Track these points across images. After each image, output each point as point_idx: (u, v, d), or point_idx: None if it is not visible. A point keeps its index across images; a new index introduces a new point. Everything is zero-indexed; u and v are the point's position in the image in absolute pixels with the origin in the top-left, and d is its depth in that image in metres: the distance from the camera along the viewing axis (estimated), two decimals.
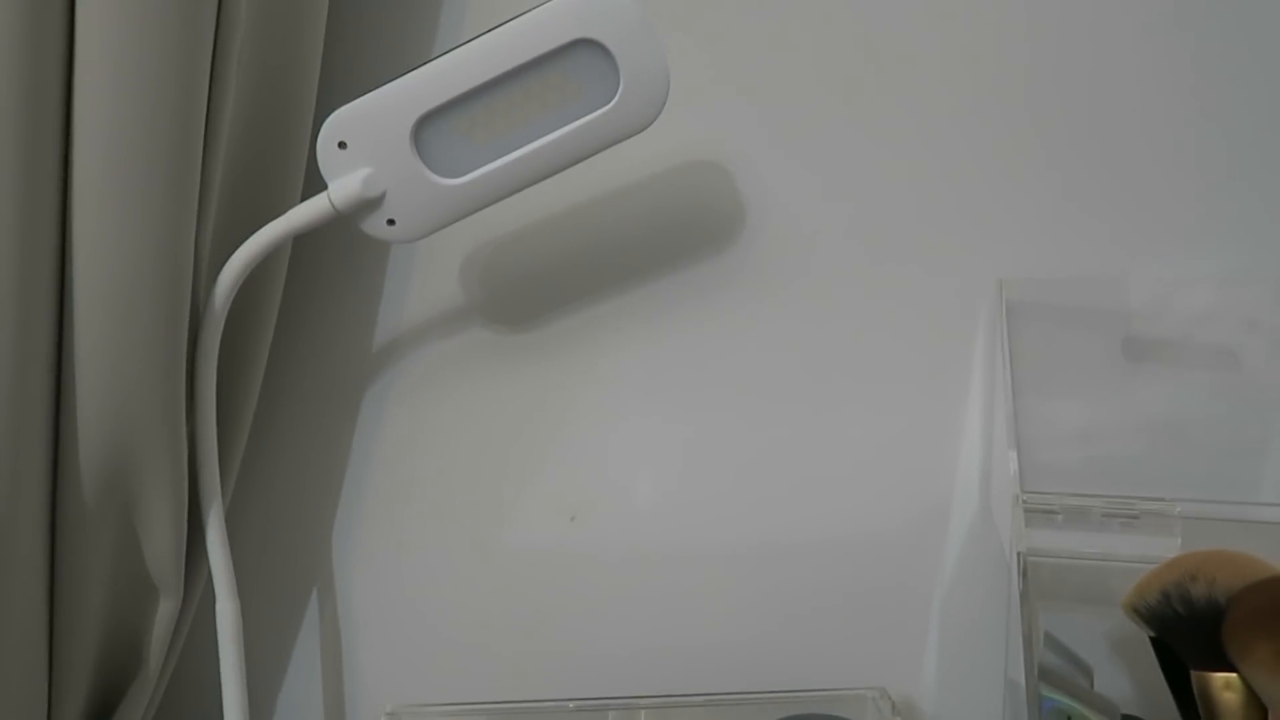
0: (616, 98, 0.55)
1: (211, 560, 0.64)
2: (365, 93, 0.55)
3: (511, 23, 0.53)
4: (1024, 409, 0.76)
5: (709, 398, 0.74)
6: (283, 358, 0.72)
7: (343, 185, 0.55)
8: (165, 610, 0.64)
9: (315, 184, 0.58)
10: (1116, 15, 0.71)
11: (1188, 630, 0.50)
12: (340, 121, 0.55)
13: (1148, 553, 0.54)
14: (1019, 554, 0.56)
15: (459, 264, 0.73)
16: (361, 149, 0.55)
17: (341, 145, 0.55)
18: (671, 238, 0.73)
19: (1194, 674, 0.51)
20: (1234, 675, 0.49)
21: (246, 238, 0.58)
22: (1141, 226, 0.73)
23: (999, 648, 0.71)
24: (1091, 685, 0.54)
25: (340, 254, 0.72)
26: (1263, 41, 0.71)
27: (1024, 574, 0.54)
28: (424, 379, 0.74)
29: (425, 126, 0.55)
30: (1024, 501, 0.58)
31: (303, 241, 0.69)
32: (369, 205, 0.56)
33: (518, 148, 0.55)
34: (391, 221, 0.57)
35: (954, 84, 0.71)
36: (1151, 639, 0.54)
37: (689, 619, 0.75)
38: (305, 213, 0.57)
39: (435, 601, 0.75)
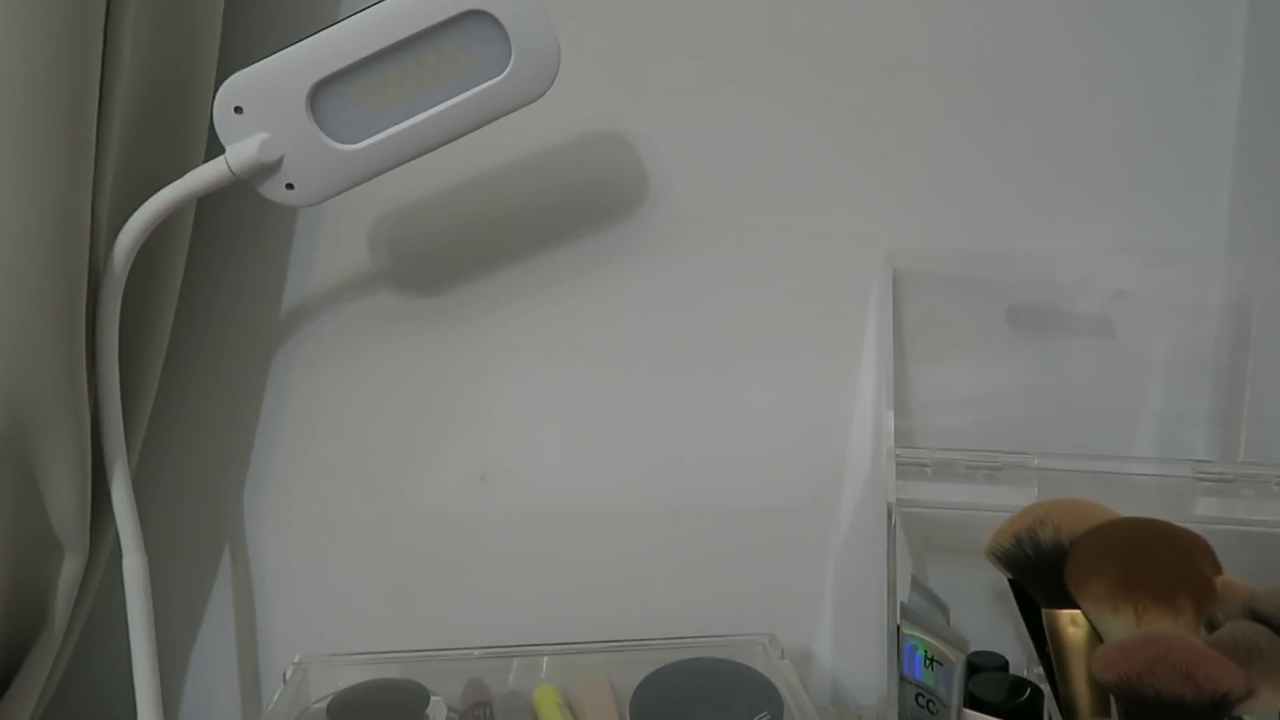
0: (508, 69, 0.56)
1: (117, 515, 0.65)
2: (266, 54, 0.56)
3: None
4: (915, 375, 0.80)
5: (613, 362, 0.77)
6: (191, 320, 0.73)
7: (240, 149, 0.56)
8: (70, 567, 0.65)
9: (218, 149, 0.59)
10: (1008, 7, 0.74)
11: (1038, 571, 0.54)
12: (236, 86, 0.56)
13: (1009, 503, 0.58)
14: (889, 504, 0.60)
15: (365, 231, 0.75)
16: (258, 114, 0.56)
17: (238, 110, 0.56)
18: (573, 209, 0.75)
19: (1044, 612, 0.55)
20: (1078, 612, 0.53)
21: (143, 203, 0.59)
22: (1022, 202, 0.77)
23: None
24: (948, 622, 0.58)
25: (247, 219, 0.73)
26: (1134, 37, 0.75)
27: (892, 523, 0.58)
28: (332, 342, 0.75)
29: (322, 92, 0.56)
30: (896, 456, 0.61)
31: (209, 205, 0.70)
32: (267, 170, 0.58)
33: (412, 115, 0.57)
34: (290, 186, 0.58)
35: (849, 68, 0.74)
36: (1010, 581, 0.58)
37: (593, 575, 0.79)
38: (203, 176, 0.58)
39: (347, 558, 0.77)
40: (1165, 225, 0.78)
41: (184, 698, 0.78)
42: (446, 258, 0.75)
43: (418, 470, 0.77)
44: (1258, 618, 0.47)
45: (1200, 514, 0.59)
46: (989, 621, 0.68)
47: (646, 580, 0.79)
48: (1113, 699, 0.51)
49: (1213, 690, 0.44)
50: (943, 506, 0.61)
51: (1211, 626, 0.49)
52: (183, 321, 0.70)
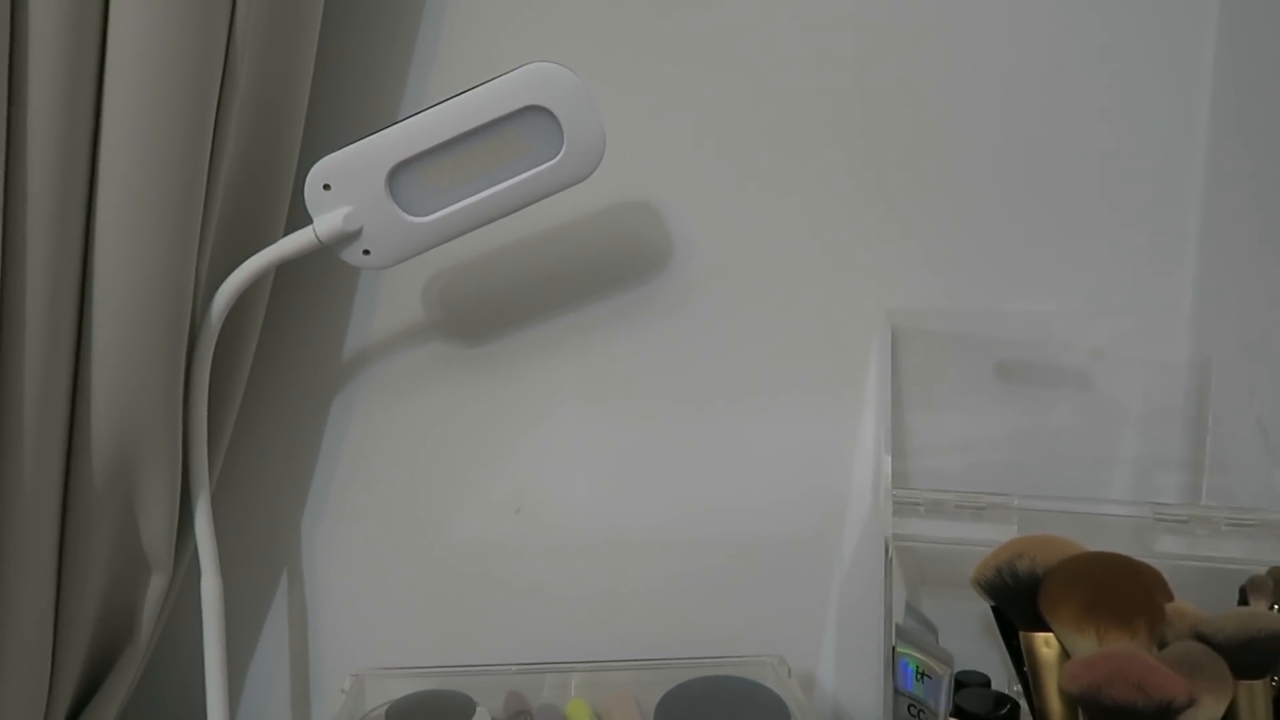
0: (561, 153, 0.65)
1: (199, 541, 0.73)
2: (346, 141, 0.65)
3: (475, 90, 0.64)
4: (911, 422, 0.88)
5: (639, 407, 0.85)
6: (263, 367, 0.81)
7: (327, 220, 0.65)
8: (157, 585, 0.73)
9: (297, 221, 0.68)
10: (995, 80, 0.83)
11: (1016, 598, 0.62)
12: (326, 167, 0.65)
13: (992, 538, 0.66)
14: (886, 539, 0.68)
15: (420, 288, 0.83)
16: (343, 190, 0.65)
17: (326, 187, 0.65)
18: (606, 270, 0.84)
19: (1021, 634, 0.63)
20: (1051, 634, 0.61)
21: (238, 263, 0.68)
22: (1010, 267, 0.86)
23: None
24: (937, 641, 0.66)
25: (315, 278, 0.82)
26: (1102, 109, 0.84)
27: (889, 556, 0.66)
28: (386, 387, 0.84)
29: (398, 173, 0.65)
30: (894, 496, 0.70)
31: (284, 267, 0.79)
32: (348, 238, 0.66)
33: (476, 193, 0.66)
34: (367, 251, 0.67)
35: (849, 142, 0.83)
36: (992, 608, 0.66)
37: (619, 600, 0.86)
38: (293, 243, 0.66)
39: (394, 583, 0.85)
40: (1137, 288, 0.87)
41: (240, 709, 0.85)
42: (491, 312, 0.84)
43: (459, 503, 0.85)
44: (1201, 639, 0.55)
45: (1160, 550, 0.67)
46: (975, 645, 0.75)
47: (666, 606, 0.86)
48: (1079, 709, 0.59)
49: (1160, 699, 0.52)
50: (934, 541, 0.69)
51: (1162, 646, 0.57)
52: (258, 364, 0.78)
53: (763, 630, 0.86)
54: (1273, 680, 0.59)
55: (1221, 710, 0.54)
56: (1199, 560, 0.67)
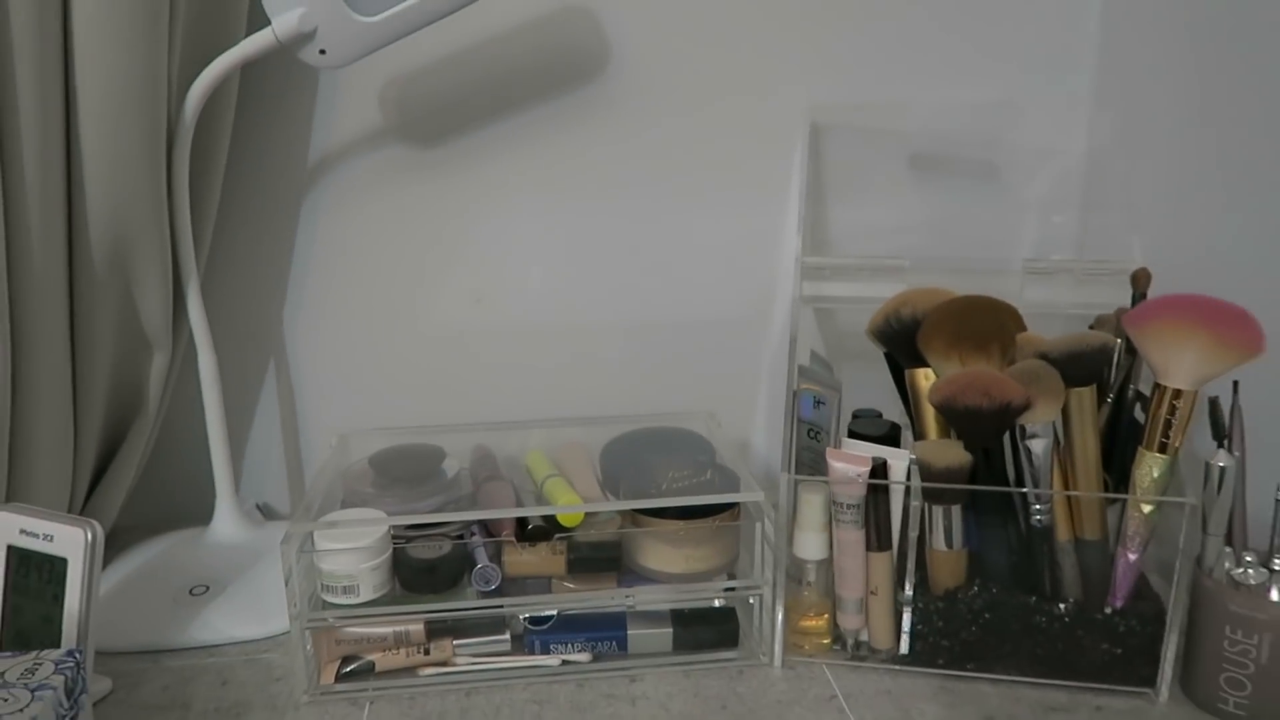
0: None
1: (193, 323, 0.83)
2: None
3: None
4: (835, 214, 0.97)
5: (585, 203, 0.94)
6: (237, 174, 0.88)
7: (284, 21, 0.72)
8: (159, 362, 0.83)
9: (257, 26, 0.74)
10: None
11: (901, 342, 0.73)
12: None
13: (887, 296, 0.76)
14: (794, 298, 0.78)
15: (376, 94, 0.90)
16: None
17: None
18: (550, 74, 0.91)
19: (906, 372, 0.74)
20: (929, 369, 0.72)
21: (204, 67, 0.75)
22: (921, 61, 0.93)
23: None
24: (833, 376, 0.77)
25: (277, 88, 0.88)
26: None
27: (796, 312, 0.77)
28: (352, 188, 0.92)
29: None
30: (802, 261, 0.80)
31: (250, 78, 0.85)
32: (304, 38, 0.73)
33: None
34: (323, 51, 0.74)
35: None
36: (885, 355, 0.77)
37: (574, 376, 0.97)
38: (254, 43, 0.73)
39: (370, 362, 0.95)
40: (1040, 80, 0.94)
41: (243, 470, 0.97)
42: (445, 116, 0.91)
43: (425, 293, 0.94)
44: (1042, 357, 0.66)
45: (1029, 298, 0.78)
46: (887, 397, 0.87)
47: (616, 381, 0.97)
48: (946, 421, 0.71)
49: (1002, 400, 0.64)
50: (839, 301, 0.79)
51: (1011, 365, 0.68)
52: (232, 171, 0.86)
53: (699, 403, 0.98)
54: (1107, 398, 0.70)
55: (1056, 411, 0.66)
56: (1063, 308, 0.78)
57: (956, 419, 0.66)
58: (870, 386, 0.79)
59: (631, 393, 0.95)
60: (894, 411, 0.78)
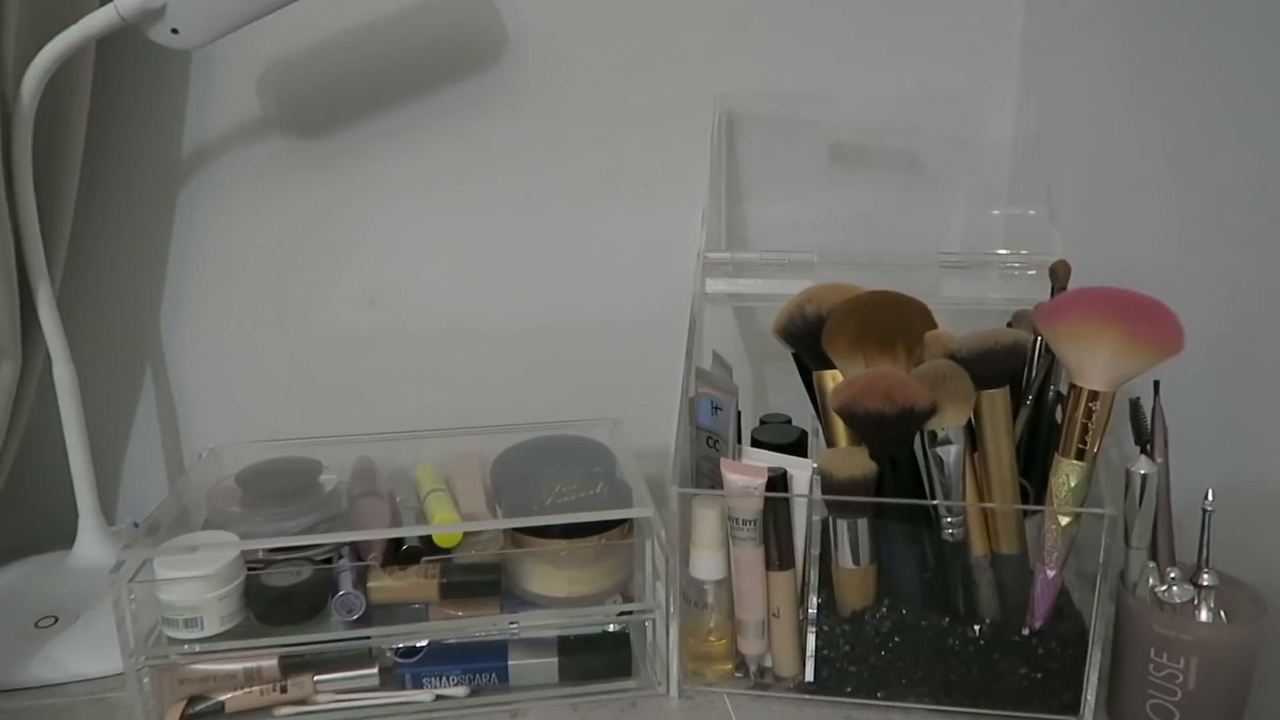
0: None
1: (45, 331, 0.76)
2: None
3: None
4: (750, 210, 0.91)
5: (483, 200, 0.88)
6: (104, 165, 0.82)
7: None
8: (7, 373, 0.76)
9: None
10: None
11: (807, 340, 0.67)
12: None
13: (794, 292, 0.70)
14: (693, 296, 0.72)
15: (254, 82, 0.83)
16: None
17: None
18: (440, 60, 0.85)
19: (814, 374, 0.68)
20: (837, 371, 0.67)
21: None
22: (841, 47, 0.88)
23: None
24: (731, 378, 0.72)
25: (148, 75, 0.82)
26: None
27: (695, 310, 0.71)
28: (231, 183, 0.85)
29: None
30: (704, 257, 0.74)
31: (111, 58, 0.79)
32: (153, 15, 0.67)
33: None
34: (175, 30, 0.67)
35: None
36: (793, 355, 0.71)
37: (473, 384, 0.91)
38: (96, 21, 0.66)
39: (257, 368, 0.88)
40: (964, 68, 0.89)
41: (120, 488, 0.90)
42: (331, 105, 0.85)
43: (315, 294, 0.88)
44: (950, 357, 0.61)
45: (945, 293, 0.72)
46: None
47: (517, 387, 0.91)
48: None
49: (904, 404, 0.58)
50: (744, 298, 0.74)
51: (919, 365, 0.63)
52: (94, 162, 0.79)
53: (614, 406, 0.91)
54: (1025, 400, 0.65)
55: (966, 415, 0.60)
56: (982, 303, 0.73)
57: (859, 425, 0.61)
58: (791, 390, 0.73)
59: (534, 399, 0.88)
60: (809, 416, 0.73)
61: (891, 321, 0.63)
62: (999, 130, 0.91)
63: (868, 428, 0.61)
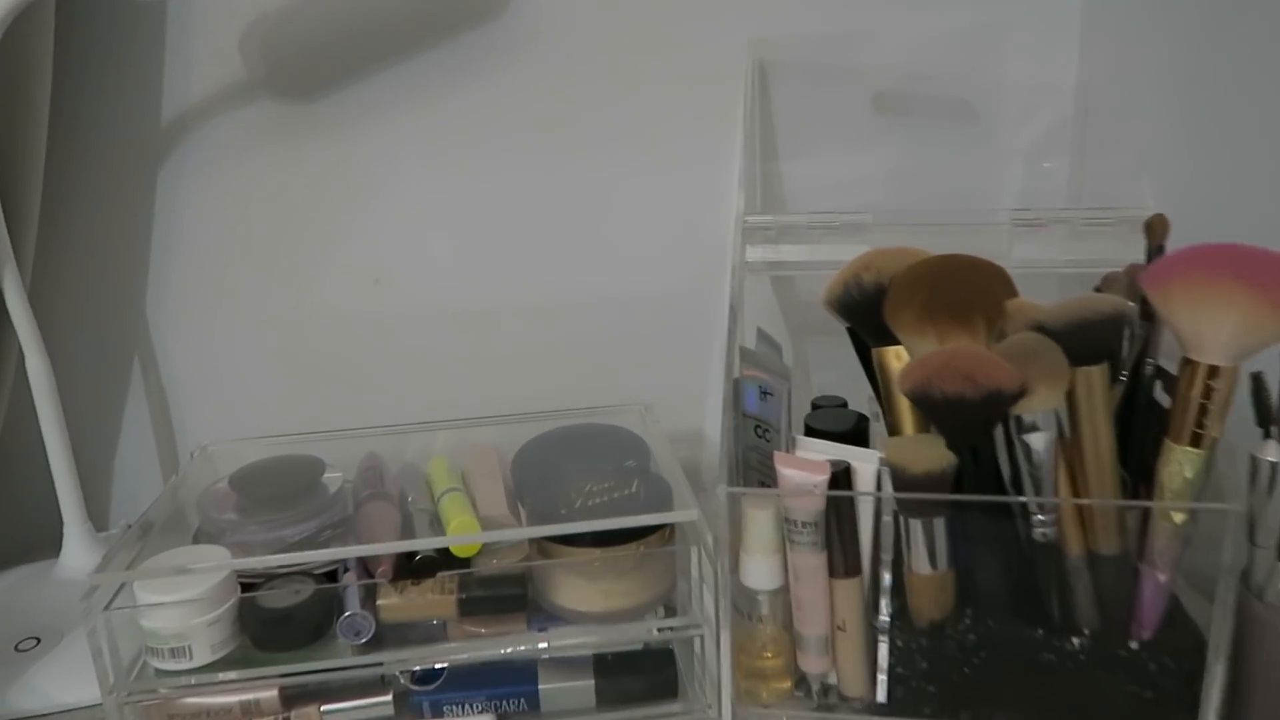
0: None
1: (15, 321, 0.69)
2: None
3: None
4: (788, 167, 0.83)
5: (494, 164, 0.80)
6: (75, 141, 0.74)
7: None
8: None
9: None
10: None
11: (865, 313, 0.59)
12: None
13: (848, 259, 0.62)
14: (733, 266, 0.64)
15: (236, 41, 0.75)
16: None
17: None
18: (449, 9, 0.76)
19: (874, 350, 0.60)
20: (901, 347, 0.59)
21: None
22: None
23: None
24: (781, 359, 0.64)
25: (115, 37, 0.74)
26: None
27: (736, 281, 0.63)
28: (218, 152, 0.77)
29: None
30: (744, 221, 0.65)
31: (76, 21, 0.71)
32: None
33: None
34: None
35: None
36: (848, 330, 0.63)
37: (488, 367, 0.83)
38: None
39: (254, 357, 0.81)
40: (1023, 5, 0.80)
41: (113, 491, 0.83)
42: (323, 63, 0.77)
43: (313, 274, 0.81)
44: (1039, 329, 0.52)
45: (1019, 256, 0.64)
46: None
47: (536, 371, 0.84)
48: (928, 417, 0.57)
49: (990, 387, 0.50)
50: (789, 267, 0.65)
51: (1001, 340, 0.54)
52: (63, 134, 0.72)
53: (640, 391, 0.84)
54: (1120, 375, 0.57)
55: (1059, 397, 0.52)
56: (1058, 266, 0.64)
57: (934, 410, 0.53)
58: (839, 367, 0.65)
59: (556, 384, 0.80)
60: (865, 398, 0.65)
61: (967, 289, 0.55)
62: (1062, 72, 0.81)
63: (945, 413, 0.52)
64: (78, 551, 0.74)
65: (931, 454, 0.53)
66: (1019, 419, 0.52)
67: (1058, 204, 0.82)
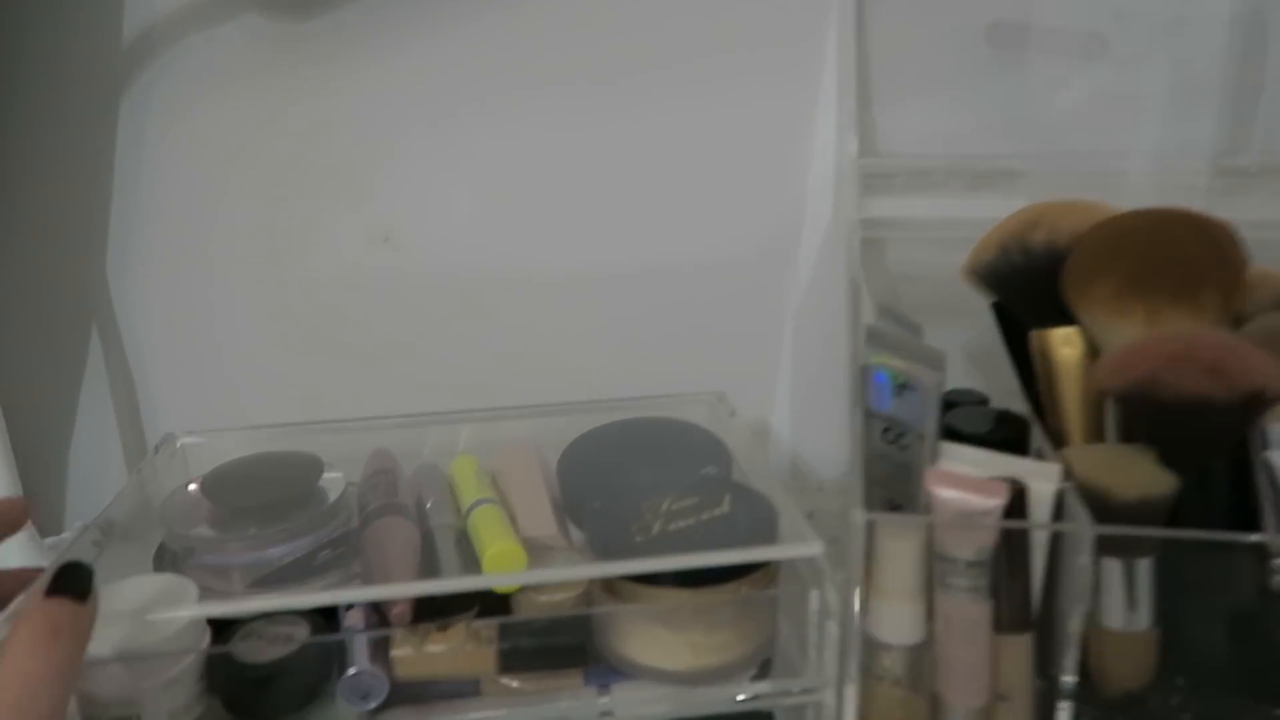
0: None
1: None
2: None
3: None
4: (879, 113, 0.69)
5: (527, 100, 0.67)
6: (14, 56, 0.61)
7: None
8: None
9: None
10: None
11: (1027, 285, 0.46)
12: None
13: (992, 215, 0.49)
14: (849, 221, 0.50)
15: None
16: None
17: None
18: None
19: (1033, 334, 0.47)
20: (1073, 330, 0.46)
21: None
22: None
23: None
24: (922, 340, 0.50)
25: None
26: None
27: (855, 241, 0.49)
28: (190, 81, 0.64)
29: None
30: (860, 166, 0.51)
31: None
32: None
33: None
34: None
35: None
36: (993, 305, 0.50)
37: (519, 346, 0.71)
38: None
39: (236, 330, 0.69)
40: None
41: (68, 482, 0.71)
42: None
43: (308, 231, 0.68)
44: None
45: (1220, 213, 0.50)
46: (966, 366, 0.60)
47: (578, 350, 0.71)
48: (1110, 422, 0.44)
49: (1246, 386, 0.37)
50: (919, 224, 0.52)
51: (1239, 324, 0.41)
52: (4, 60, 0.58)
53: (701, 374, 0.71)
54: None
55: None
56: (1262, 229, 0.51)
57: (1158, 416, 0.39)
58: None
59: (600, 368, 0.68)
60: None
61: (1189, 256, 0.41)
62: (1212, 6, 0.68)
63: (1174, 420, 0.39)
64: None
65: (1144, 474, 0.39)
66: (1262, 432, 0.39)
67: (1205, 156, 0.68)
